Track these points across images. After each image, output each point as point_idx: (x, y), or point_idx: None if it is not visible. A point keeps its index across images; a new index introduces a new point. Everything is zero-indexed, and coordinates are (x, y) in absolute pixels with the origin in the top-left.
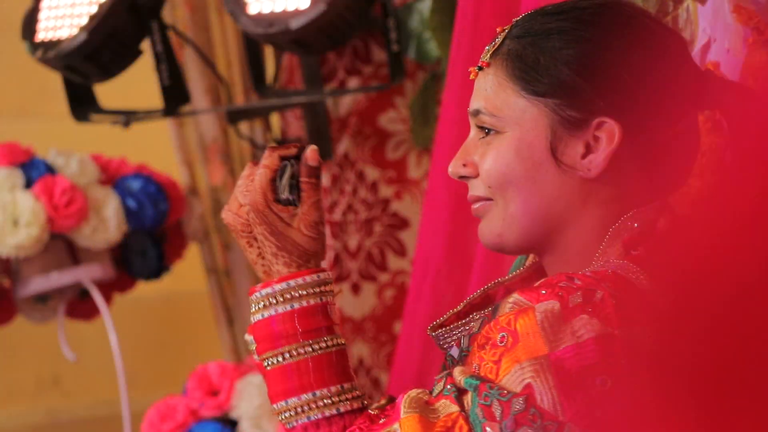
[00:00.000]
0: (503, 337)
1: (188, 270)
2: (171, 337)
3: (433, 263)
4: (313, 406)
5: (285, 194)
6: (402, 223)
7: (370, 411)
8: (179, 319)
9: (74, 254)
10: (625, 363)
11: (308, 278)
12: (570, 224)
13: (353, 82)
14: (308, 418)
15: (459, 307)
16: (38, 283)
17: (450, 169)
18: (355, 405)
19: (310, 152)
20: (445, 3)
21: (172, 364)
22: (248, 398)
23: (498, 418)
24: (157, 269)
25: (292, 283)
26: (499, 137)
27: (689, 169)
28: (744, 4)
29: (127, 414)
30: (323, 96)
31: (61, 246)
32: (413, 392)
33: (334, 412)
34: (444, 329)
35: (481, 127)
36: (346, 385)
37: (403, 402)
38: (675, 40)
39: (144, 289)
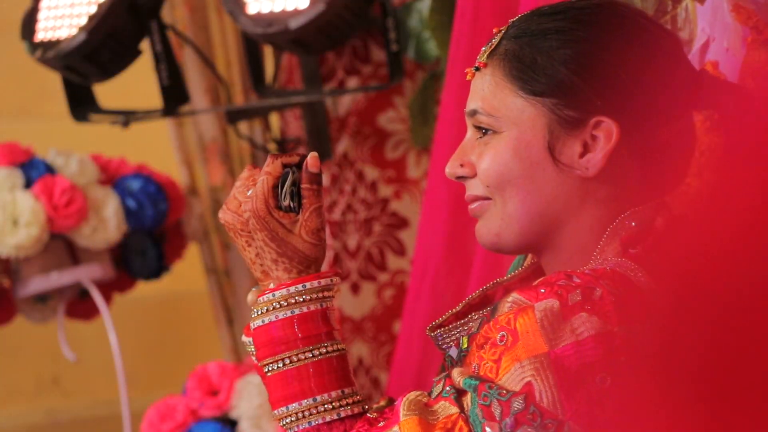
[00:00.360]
0: (503, 336)
1: (188, 270)
2: (171, 337)
3: (433, 263)
4: (314, 411)
5: (286, 201)
6: (401, 223)
7: (369, 414)
8: (179, 319)
9: (74, 254)
10: (624, 360)
11: (308, 284)
12: (568, 223)
13: (352, 82)
14: (309, 423)
15: (458, 308)
16: (38, 283)
17: (447, 170)
18: (356, 410)
19: (311, 159)
20: (444, 2)
21: (172, 364)
22: (248, 398)
23: (498, 418)
24: (156, 269)
25: (292, 289)
26: (496, 137)
27: (686, 167)
28: (743, 3)
29: (127, 414)
30: (322, 96)
31: (60, 246)
32: (412, 394)
33: (335, 417)
34: (443, 329)
35: (478, 127)
36: (346, 390)
37: (403, 404)
38: (670, 40)
39: (144, 289)
